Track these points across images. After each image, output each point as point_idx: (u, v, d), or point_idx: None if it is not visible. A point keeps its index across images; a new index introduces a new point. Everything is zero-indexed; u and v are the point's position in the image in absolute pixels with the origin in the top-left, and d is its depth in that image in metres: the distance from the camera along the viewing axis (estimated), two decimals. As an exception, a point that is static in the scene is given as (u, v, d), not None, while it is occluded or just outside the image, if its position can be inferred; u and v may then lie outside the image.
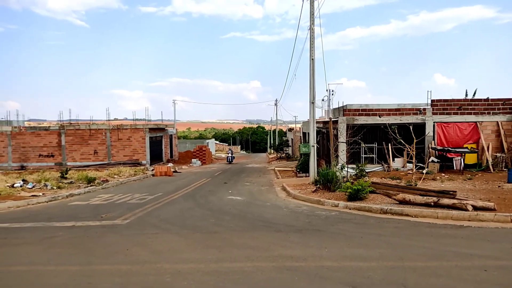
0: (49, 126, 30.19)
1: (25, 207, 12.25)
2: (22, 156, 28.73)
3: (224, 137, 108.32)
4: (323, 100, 28.35)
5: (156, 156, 31.53)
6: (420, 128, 17.81)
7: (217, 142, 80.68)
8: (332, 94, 27.22)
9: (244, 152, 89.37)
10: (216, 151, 65.01)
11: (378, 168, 18.03)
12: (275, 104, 57.49)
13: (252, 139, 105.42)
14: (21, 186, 15.70)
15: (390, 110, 18.58)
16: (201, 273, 5.61)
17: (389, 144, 17.73)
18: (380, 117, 18.35)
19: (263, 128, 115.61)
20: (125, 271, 5.76)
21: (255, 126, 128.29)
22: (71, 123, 30.63)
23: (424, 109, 18.44)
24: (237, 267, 5.84)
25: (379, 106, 18.81)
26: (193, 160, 34.38)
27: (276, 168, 25.97)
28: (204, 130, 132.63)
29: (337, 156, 16.23)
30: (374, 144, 18.54)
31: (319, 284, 5.13)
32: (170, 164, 29.55)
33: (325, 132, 20.66)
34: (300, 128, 38.27)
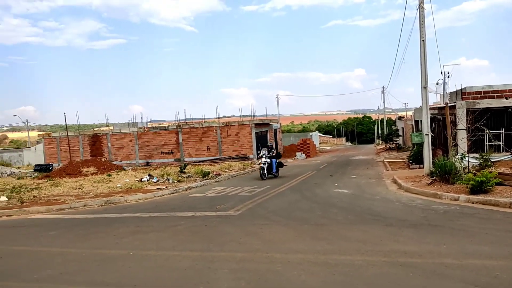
0: (168, 126, 33.41)
1: (152, 199, 13.80)
2: (147, 153, 32.35)
3: (328, 129, 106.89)
4: (437, 83, 26.01)
5: (262, 151, 32.60)
6: (560, 109, 15.18)
7: (320, 134, 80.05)
8: (448, 77, 24.78)
9: (349, 143, 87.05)
10: (320, 143, 64.56)
11: (507, 157, 15.92)
12: (382, 92, 54.63)
13: (358, 129, 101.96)
14: (147, 180, 17.72)
15: (520, 90, 16.22)
16: (310, 264, 5.70)
17: (520, 129, 15.51)
18: (507, 99, 16.15)
19: (369, 117, 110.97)
20: (240, 258, 6.15)
21: (360, 116, 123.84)
22: (186, 122, 33.43)
23: None
24: (347, 260, 5.79)
25: (505, 86, 16.54)
26: (297, 153, 34.72)
27: (385, 160, 24.76)
28: (307, 123, 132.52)
29: (455, 145, 14.78)
30: (501, 130, 16.40)
31: (438, 281, 4.81)
32: (276, 158, 30.30)
33: (441, 119, 18.97)
34: (411, 116, 35.77)
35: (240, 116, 35.19)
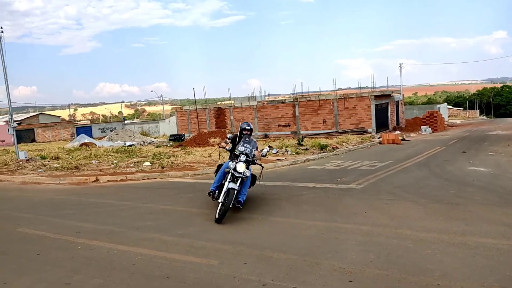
0: (285, 99, 34.01)
1: (273, 169, 14.35)
2: (265, 126, 33.56)
3: (458, 101, 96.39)
4: None
5: (381, 124, 31.08)
6: None
7: (449, 106, 72.56)
8: None
9: (484, 117, 77.39)
10: (448, 117, 58.68)
11: None
12: (530, 57, 46.55)
13: (495, 101, 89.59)
14: (267, 151, 18.42)
15: None
16: (446, 244, 5.35)
17: None
18: None
19: (510, 87, 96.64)
20: (366, 232, 6.07)
21: (498, 85, 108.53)
22: (303, 95, 33.59)
23: None
24: (489, 243, 5.28)
25: None
26: (422, 127, 32.20)
27: (532, 135, 21.38)
28: (433, 94, 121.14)
29: None
30: None
31: None
32: (397, 132, 28.61)
33: None
34: None
35: (358, 88, 33.83)
